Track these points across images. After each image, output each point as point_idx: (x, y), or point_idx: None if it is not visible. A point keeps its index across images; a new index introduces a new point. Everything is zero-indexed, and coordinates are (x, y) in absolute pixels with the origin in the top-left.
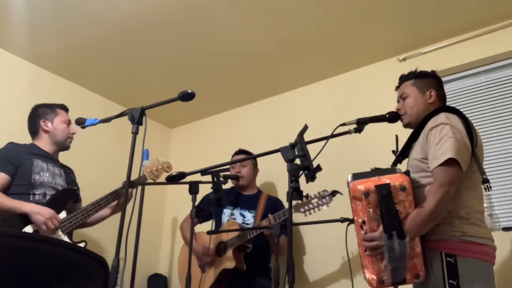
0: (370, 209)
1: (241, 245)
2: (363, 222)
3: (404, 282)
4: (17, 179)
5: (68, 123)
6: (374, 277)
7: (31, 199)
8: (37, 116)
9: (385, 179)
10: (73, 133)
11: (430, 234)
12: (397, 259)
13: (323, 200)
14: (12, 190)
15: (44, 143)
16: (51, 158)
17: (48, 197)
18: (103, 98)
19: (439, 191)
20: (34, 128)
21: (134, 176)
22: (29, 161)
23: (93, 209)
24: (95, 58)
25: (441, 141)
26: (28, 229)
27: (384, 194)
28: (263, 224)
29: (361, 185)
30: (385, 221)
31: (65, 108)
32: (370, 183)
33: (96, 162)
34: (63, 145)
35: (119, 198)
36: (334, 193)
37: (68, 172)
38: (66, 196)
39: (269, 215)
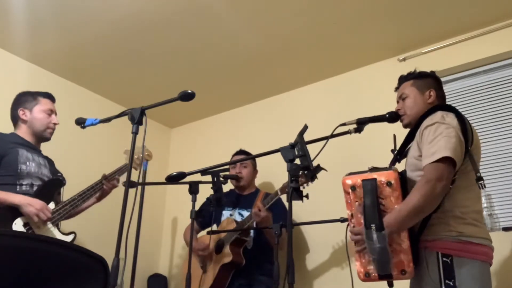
0: (357, 203)
1: (238, 239)
2: (351, 215)
3: (390, 277)
4: (2, 169)
5: (50, 112)
6: (362, 269)
7: (17, 189)
8: (17, 104)
9: (374, 175)
10: (54, 124)
11: (426, 234)
12: (377, 251)
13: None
14: None
15: (24, 133)
16: (34, 148)
17: (35, 187)
18: (103, 98)
19: (424, 186)
20: (13, 117)
21: (133, 176)
22: (13, 150)
23: (80, 199)
24: (95, 58)
25: (434, 140)
26: (19, 221)
27: (369, 188)
28: (253, 211)
29: (349, 180)
30: (366, 214)
31: (49, 97)
32: (357, 178)
33: (96, 162)
34: (42, 136)
35: (103, 188)
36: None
37: (51, 163)
38: (53, 187)
39: (258, 202)
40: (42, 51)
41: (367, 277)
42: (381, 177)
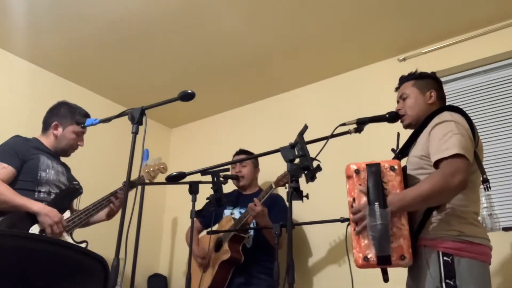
0: (360, 185)
1: (237, 235)
2: (353, 200)
3: (389, 262)
4: (23, 174)
5: (80, 134)
6: (360, 254)
7: (35, 196)
8: (55, 115)
9: (378, 161)
10: (79, 145)
11: (427, 233)
12: (378, 229)
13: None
14: (17, 185)
15: (48, 142)
16: (53, 155)
17: (52, 195)
18: (103, 98)
19: (437, 178)
20: (46, 124)
21: (133, 176)
22: (36, 156)
23: (95, 209)
24: (95, 57)
25: (445, 137)
26: (35, 228)
27: (373, 170)
28: (249, 206)
29: (354, 164)
30: (370, 192)
31: (86, 118)
32: (362, 163)
33: (96, 162)
34: (63, 153)
35: (116, 199)
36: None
37: (68, 170)
38: (71, 195)
39: (254, 198)
40: (42, 51)
41: (365, 261)
42: (384, 162)
